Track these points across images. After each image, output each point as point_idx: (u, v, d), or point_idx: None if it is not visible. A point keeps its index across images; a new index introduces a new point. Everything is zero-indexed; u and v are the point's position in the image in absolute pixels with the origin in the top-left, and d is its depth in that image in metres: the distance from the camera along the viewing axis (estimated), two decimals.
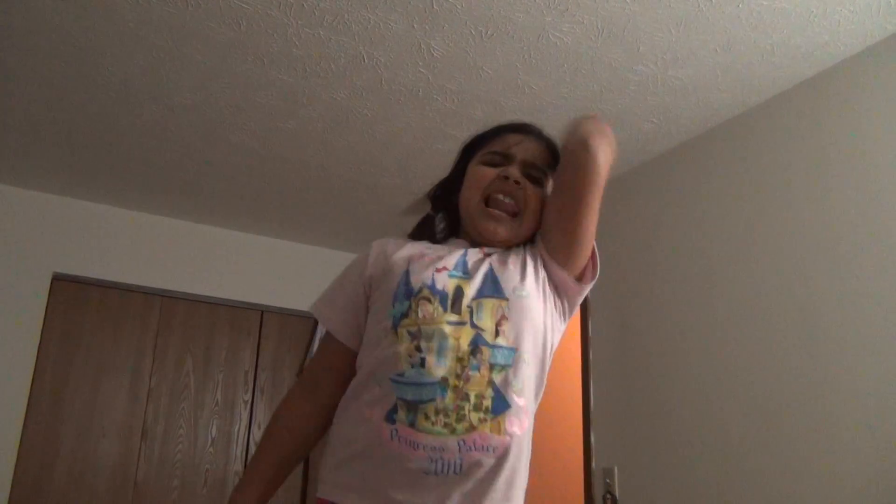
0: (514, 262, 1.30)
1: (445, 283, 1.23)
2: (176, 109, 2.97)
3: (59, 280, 3.82)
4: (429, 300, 1.21)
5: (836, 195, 2.46)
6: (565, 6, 2.28)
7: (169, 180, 3.66)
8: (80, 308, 3.87)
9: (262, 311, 4.33)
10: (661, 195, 3.20)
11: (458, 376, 1.15)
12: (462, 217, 1.40)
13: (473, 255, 1.31)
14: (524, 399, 1.20)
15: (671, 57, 2.53)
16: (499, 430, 1.16)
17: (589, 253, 1.37)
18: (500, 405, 1.17)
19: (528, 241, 1.41)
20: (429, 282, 1.23)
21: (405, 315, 1.20)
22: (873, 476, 2.19)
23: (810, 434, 2.39)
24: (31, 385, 3.63)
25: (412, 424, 1.13)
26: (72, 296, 3.86)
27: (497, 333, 1.20)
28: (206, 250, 4.19)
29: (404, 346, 1.18)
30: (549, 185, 1.39)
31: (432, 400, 1.14)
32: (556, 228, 1.33)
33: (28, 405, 3.60)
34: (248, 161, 3.39)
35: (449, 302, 1.21)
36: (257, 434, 4.14)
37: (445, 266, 1.26)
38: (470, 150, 1.45)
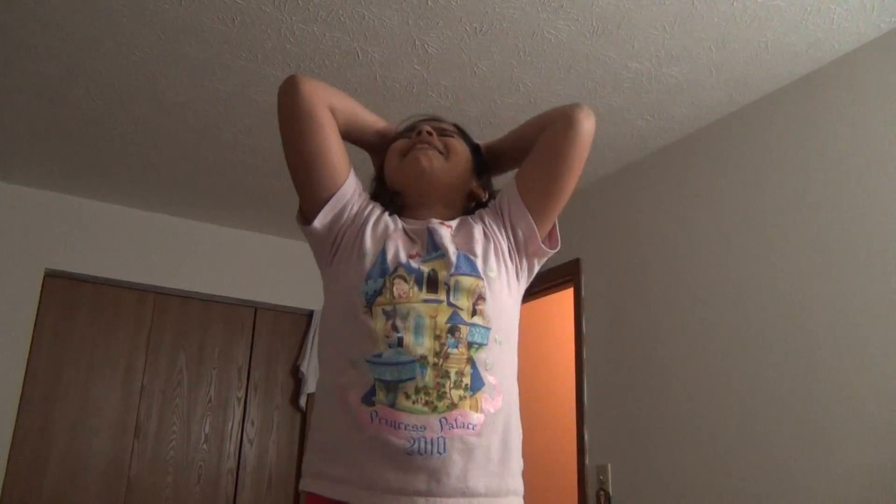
0: (478, 239, 1.30)
1: (420, 264, 1.24)
2: (169, 105, 2.96)
3: (51, 276, 3.80)
4: (404, 279, 1.20)
5: (830, 193, 2.47)
6: (559, 3, 2.28)
7: (162, 176, 3.64)
8: (73, 304, 3.86)
9: (256, 308, 4.33)
10: (654, 193, 3.20)
11: (437, 354, 1.15)
12: (401, 193, 1.39)
13: (439, 231, 1.30)
14: (495, 377, 1.20)
15: (665, 54, 2.53)
16: (477, 407, 1.16)
17: (557, 213, 1.41)
18: (478, 383, 1.17)
19: (480, 207, 1.42)
20: (404, 261, 1.23)
21: (379, 293, 1.19)
22: (864, 475, 2.20)
23: (801, 432, 2.40)
24: (24, 381, 3.62)
25: (392, 404, 1.12)
26: (64, 292, 3.84)
27: (474, 312, 1.21)
28: (200, 247, 4.18)
29: (379, 325, 1.17)
30: (473, 159, 1.43)
31: (412, 378, 1.13)
32: (537, 177, 1.36)
33: (20, 402, 3.59)
34: (242, 157, 3.38)
35: (424, 280, 1.21)
36: (250, 431, 4.14)
37: (418, 252, 1.26)
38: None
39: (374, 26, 2.42)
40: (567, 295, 3.74)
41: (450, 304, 1.19)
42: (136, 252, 3.99)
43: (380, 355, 1.15)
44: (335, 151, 1.32)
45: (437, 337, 1.16)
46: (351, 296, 1.22)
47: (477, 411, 1.16)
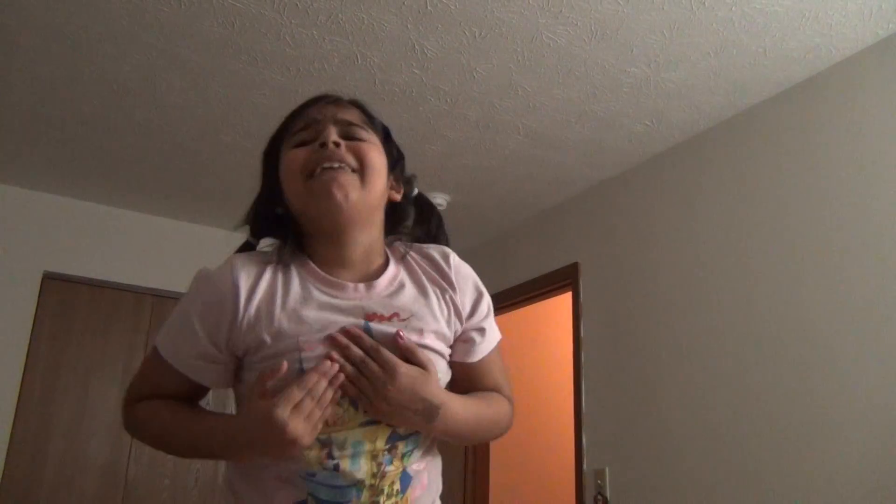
0: (431, 326, 1.13)
1: None
2: (168, 108, 2.96)
3: (49, 279, 3.80)
4: (338, 403, 1.03)
5: (828, 198, 2.47)
6: (559, 8, 2.28)
7: (161, 179, 3.64)
8: (71, 307, 3.85)
9: None
10: (653, 198, 3.21)
11: (374, 475, 1.04)
12: (301, 221, 1.14)
13: (374, 313, 1.10)
14: (422, 460, 1.12)
15: (664, 59, 2.54)
16: (407, 502, 1.08)
17: None
18: (406, 481, 1.08)
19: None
20: None
21: None
22: (865, 477, 2.20)
23: (801, 435, 2.40)
24: (21, 384, 3.61)
25: None
26: (62, 294, 3.84)
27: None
28: (198, 249, 4.17)
29: (313, 454, 1.02)
30: (377, 138, 1.20)
31: (348, 502, 1.03)
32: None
33: (18, 404, 3.58)
34: (241, 160, 3.38)
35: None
36: None
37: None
38: (273, 153, 1.20)
39: (373, 30, 2.42)
40: (565, 299, 3.74)
41: (388, 425, 1.06)
42: (134, 255, 3.99)
43: (314, 474, 1.03)
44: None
45: (374, 457, 1.05)
46: None
47: None
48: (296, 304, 1.07)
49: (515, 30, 2.40)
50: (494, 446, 4.16)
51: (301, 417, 0.98)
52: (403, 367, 1.04)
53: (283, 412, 0.97)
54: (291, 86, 2.74)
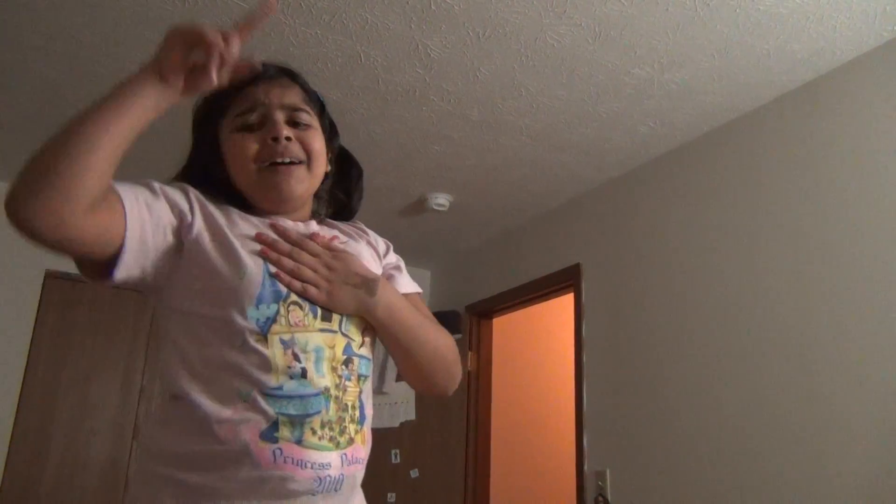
0: (369, 262, 1.21)
1: None
2: (172, 107, 2.95)
3: (51, 277, 3.80)
4: (299, 305, 1.07)
5: (832, 200, 2.47)
6: (563, 8, 2.28)
7: (164, 179, 3.64)
8: (73, 306, 3.85)
9: None
10: (656, 199, 3.20)
11: (337, 386, 1.07)
12: (241, 192, 1.18)
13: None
14: (370, 408, 1.16)
15: (668, 60, 2.54)
16: (364, 440, 1.12)
17: None
18: (363, 416, 1.12)
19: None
20: None
21: (273, 320, 1.05)
22: (871, 480, 2.20)
23: (803, 439, 2.39)
24: (23, 382, 3.61)
25: (299, 441, 1.02)
26: (64, 293, 3.84)
27: (362, 343, 1.15)
28: None
29: (279, 355, 1.03)
30: (320, 123, 1.24)
31: (318, 412, 1.04)
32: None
33: (19, 403, 3.58)
34: None
35: (319, 307, 1.09)
36: None
37: None
38: (207, 119, 1.21)
39: (376, 30, 2.42)
40: (567, 300, 3.74)
41: (343, 335, 1.11)
42: None
43: (280, 387, 1.03)
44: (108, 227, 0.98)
45: (334, 369, 1.08)
46: (232, 321, 1.03)
47: (364, 445, 1.12)
48: (236, 228, 1.11)
49: (519, 30, 2.40)
50: (495, 447, 4.16)
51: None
52: (329, 252, 1.14)
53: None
54: None
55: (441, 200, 3.74)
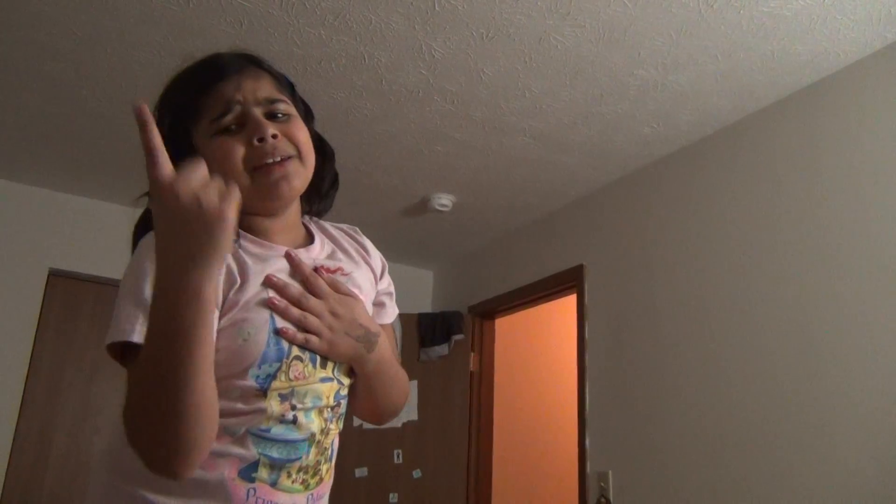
0: (366, 292, 1.20)
1: None
2: None
3: (55, 276, 3.81)
4: (300, 358, 1.05)
5: (836, 202, 2.47)
6: (566, 10, 2.28)
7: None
8: (76, 304, 3.86)
9: None
10: (659, 200, 3.20)
11: (322, 431, 1.08)
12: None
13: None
14: (338, 439, 1.16)
15: (671, 62, 2.54)
16: (330, 475, 1.12)
17: None
18: (333, 452, 1.13)
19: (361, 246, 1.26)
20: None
21: (274, 377, 1.02)
22: (866, 483, 2.19)
23: (803, 441, 2.39)
24: (26, 380, 3.62)
25: (273, 483, 1.03)
26: (68, 292, 3.85)
27: (347, 386, 1.14)
28: None
29: (275, 406, 1.03)
30: (297, 109, 1.17)
31: (299, 459, 1.05)
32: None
33: (22, 401, 3.59)
34: None
35: (318, 357, 1.08)
36: None
37: None
38: (178, 124, 1.11)
39: (380, 30, 2.42)
40: (570, 301, 3.74)
41: (338, 381, 1.11)
42: None
43: (268, 430, 1.02)
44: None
45: (321, 413, 1.08)
46: (234, 378, 1.01)
47: (329, 478, 1.12)
48: (241, 287, 1.05)
49: (523, 31, 2.40)
50: (497, 448, 4.16)
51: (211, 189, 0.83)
52: (337, 294, 1.11)
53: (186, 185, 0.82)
54: (298, 85, 2.73)
55: (444, 201, 3.74)
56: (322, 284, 1.10)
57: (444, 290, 4.78)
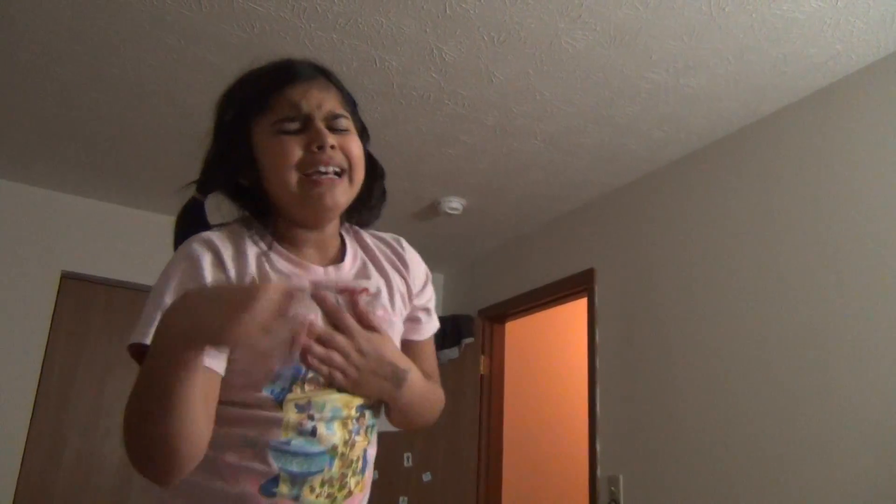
0: (398, 308, 1.18)
1: None
2: (188, 110, 2.98)
3: (67, 278, 3.83)
4: (317, 379, 1.05)
5: (847, 206, 2.45)
6: (578, 13, 2.28)
7: (179, 180, 3.65)
8: (88, 307, 3.88)
9: None
10: (669, 204, 3.19)
11: (346, 443, 1.06)
12: (275, 202, 1.13)
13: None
14: (374, 449, 1.14)
15: (683, 65, 2.53)
16: (362, 488, 1.11)
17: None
18: (365, 464, 1.11)
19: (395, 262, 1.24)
20: None
21: (289, 390, 1.03)
22: (873, 489, 2.18)
23: (813, 445, 2.38)
24: (39, 383, 3.64)
25: (296, 498, 1.02)
26: (80, 294, 3.87)
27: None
28: None
29: (292, 417, 1.03)
30: (355, 123, 1.20)
31: (320, 471, 1.04)
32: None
33: (35, 403, 3.61)
34: None
35: None
36: None
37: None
38: (241, 120, 1.14)
39: (391, 34, 2.43)
40: (580, 304, 3.73)
41: (362, 395, 1.10)
42: (152, 255, 3.98)
43: (287, 442, 1.02)
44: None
45: (345, 425, 1.07)
46: (250, 388, 1.02)
47: (362, 491, 1.11)
48: None
49: (534, 35, 2.40)
50: (507, 451, 4.15)
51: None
52: (365, 332, 1.08)
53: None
54: None
55: (455, 204, 3.74)
56: (349, 321, 1.08)
57: (454, 293, 4.78)
